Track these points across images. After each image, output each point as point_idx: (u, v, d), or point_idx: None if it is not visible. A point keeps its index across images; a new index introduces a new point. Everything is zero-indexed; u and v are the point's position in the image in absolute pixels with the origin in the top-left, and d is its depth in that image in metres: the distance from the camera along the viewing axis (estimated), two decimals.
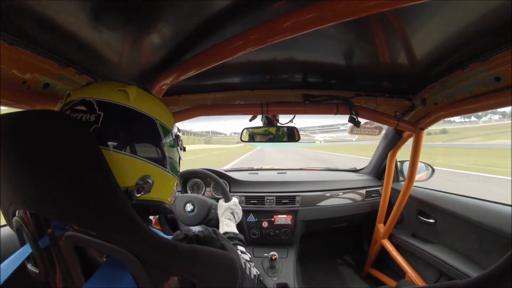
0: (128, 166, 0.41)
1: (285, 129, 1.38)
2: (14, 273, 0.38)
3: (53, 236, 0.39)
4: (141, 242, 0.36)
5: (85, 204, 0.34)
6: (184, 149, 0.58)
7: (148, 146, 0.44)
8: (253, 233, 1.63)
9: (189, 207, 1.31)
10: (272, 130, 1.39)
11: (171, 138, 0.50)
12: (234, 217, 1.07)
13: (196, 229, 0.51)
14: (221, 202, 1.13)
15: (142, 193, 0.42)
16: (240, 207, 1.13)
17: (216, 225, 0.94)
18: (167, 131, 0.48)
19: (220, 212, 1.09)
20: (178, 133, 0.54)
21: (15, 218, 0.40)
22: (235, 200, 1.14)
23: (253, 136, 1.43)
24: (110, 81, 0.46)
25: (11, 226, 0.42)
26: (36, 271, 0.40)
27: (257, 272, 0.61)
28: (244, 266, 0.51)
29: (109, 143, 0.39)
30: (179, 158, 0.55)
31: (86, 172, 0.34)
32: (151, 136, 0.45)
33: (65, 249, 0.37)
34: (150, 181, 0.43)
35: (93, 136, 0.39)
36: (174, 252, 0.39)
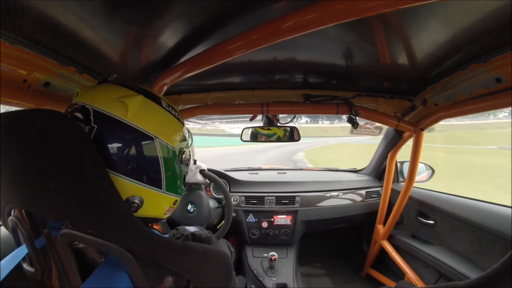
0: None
1: (286, 129, 1.38)
2: (11, 272, 0.38)
3: (49, 236, 0.39)
4: (135, 238, 0.36)
5: (80, 202, 0.34)
6: (195, 162, 0.56)
7: (141, 167, 0.41)
8: (253, 233, 1.63)
9: (190, 207, 1.30)
10: (272, 130, 1.39)
11: (173, 156, 0.46)
12: None
13: (192, 229, 0.51)
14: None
15: None
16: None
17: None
18: (168, 149, 0.45)
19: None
20: (186, 148, 0.50)
21: (10, 218, 0.40)
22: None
23: (254, 135, 1.43)
24: (117, 86, 0.43)
25: (6, 226, 0.42)
26: (32, 270, 0.40)
27: None
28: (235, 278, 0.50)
29: None
30: (183, 175, 0.51)
31: (82, 172, 0.34)
32: (146, 156, 0.41)
33: (61, 247, 0.37)
34: (137, 201, 0.40)
35: (89, 137, 0.38)
36: (168, 248, 0.39)
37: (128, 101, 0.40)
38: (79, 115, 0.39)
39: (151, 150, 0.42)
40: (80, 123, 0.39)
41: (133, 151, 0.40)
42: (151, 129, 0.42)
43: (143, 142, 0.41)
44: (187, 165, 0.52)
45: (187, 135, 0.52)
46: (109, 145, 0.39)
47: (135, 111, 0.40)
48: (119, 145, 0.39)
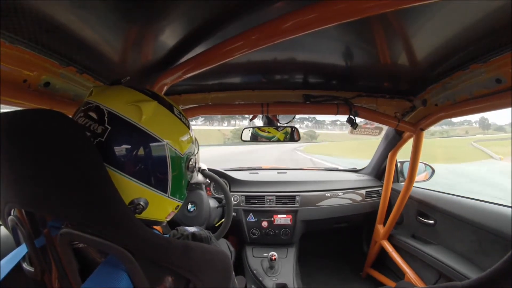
0: (122, 186, 0.39)
1: (286, 129, 1.38)
2: (11, 272, 0.38)
3: (49, 236, 0.39)
4: (135, 237, 0.36)
5: (80, 201, 0.34)
6: (199, 170, 0.56)
7: (150, 170, 0.42)
8: (253, 233, 1.63)
9: (190, 207, 1.30)
10: (272, 130, 1.40)
11: (180, 162, 0.47)
12: None
13: (192, 229, 0.51)
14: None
15: None
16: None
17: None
18: (177, 155, 0.46)
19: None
20: (192, 155, 0.51)
21: (10, 217, 0.40)
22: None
23: (254, 136, 1.43)
24: (132, 89, 0.44)
25: (6, 226, 0.42)
26: (32, 270, 0.40)
27: None
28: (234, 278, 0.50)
29: (108, 160, 0.38)
30: (188, 181, 0.52)
31: (82, 171, 0.34)
32: (155, 160, 0.42)
33: (61, 247, 0.37)
34: (142, 204, 0.41)
35: (90, 138, 0.38)
36: (168, 248, 0.39)
37: (143, 106, 0.41)
38: (93, 114, 0.40)
39: (160, 155, 0.43)
40: (93, 123, 0.39)
41: (142, 154, 0.41)
42: (162, 134, 0.43)
43: (154, 147, 0.42)
44: (193, 172, 0.53)
45: (194, 143, 0.53)
46: (120, 147, 0.40)
47: (148, 116, 0.41)
48: (130, 147, 0.40)
